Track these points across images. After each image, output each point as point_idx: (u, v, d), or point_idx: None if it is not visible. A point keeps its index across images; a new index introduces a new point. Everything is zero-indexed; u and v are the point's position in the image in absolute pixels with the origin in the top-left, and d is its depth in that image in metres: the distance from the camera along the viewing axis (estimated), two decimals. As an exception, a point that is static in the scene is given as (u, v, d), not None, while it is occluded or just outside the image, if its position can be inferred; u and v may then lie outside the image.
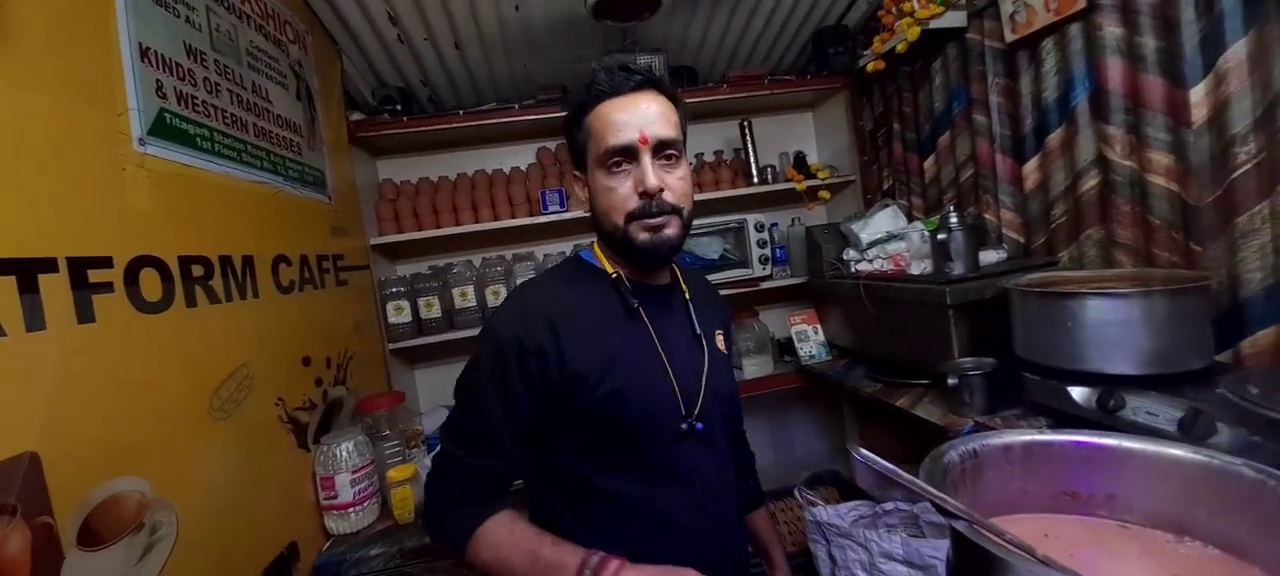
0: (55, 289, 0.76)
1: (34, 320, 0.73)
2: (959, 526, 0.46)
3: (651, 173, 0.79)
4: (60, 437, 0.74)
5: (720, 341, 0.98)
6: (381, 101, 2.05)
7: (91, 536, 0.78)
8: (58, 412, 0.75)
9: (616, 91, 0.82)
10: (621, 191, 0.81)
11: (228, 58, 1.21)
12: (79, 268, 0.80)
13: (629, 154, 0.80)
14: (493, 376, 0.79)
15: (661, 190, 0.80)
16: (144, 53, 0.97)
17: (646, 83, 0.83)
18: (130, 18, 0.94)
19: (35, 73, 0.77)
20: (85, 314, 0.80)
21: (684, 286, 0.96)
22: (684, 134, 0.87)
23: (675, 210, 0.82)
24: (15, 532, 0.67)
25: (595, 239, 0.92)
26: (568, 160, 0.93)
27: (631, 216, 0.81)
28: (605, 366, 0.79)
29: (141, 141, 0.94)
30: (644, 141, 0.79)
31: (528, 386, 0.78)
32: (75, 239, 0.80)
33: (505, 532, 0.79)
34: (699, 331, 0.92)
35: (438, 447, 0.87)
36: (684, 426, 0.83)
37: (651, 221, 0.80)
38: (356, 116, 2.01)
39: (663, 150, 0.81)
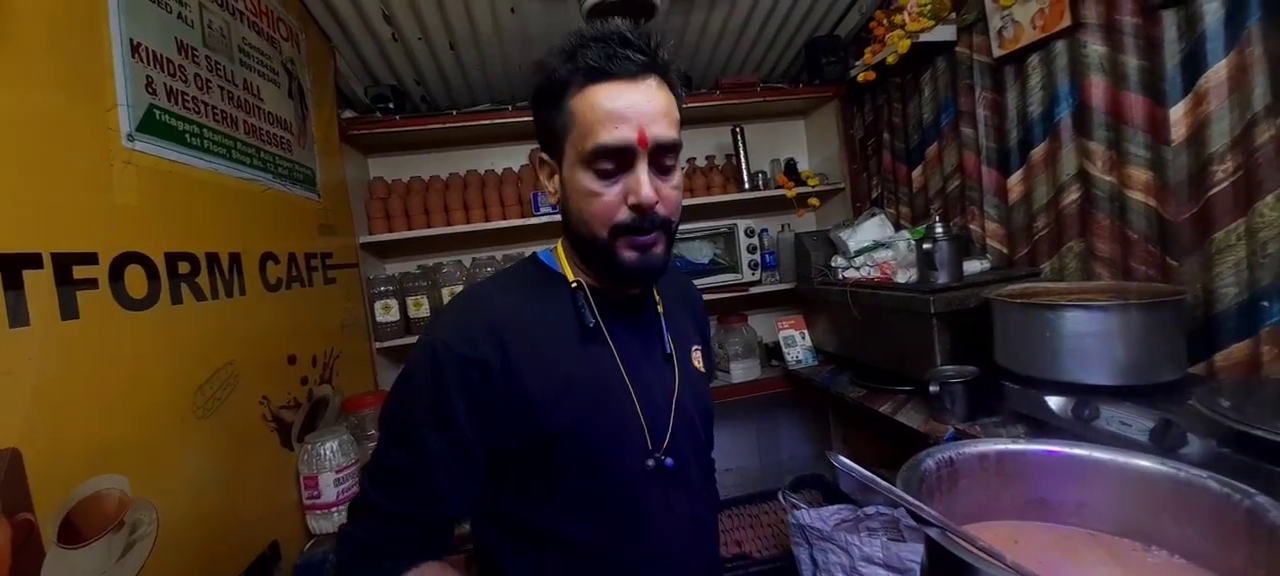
0: (40, 285, 0.76)
1: (18, 316, 0.72)
2: (932, 533, 0.48)
3: (648, 183, 0.65)
4: (42, 434, 0.74)
5: (696, 357, 0.85)
6: (374, 100, 2.05)
7: (72, 533, 0.77)
8: (40, 409, 0.74)
9: (613, 74, 0.65)
10: (608, 198, 0.67)
11: (219, 54, 1.21)
12: (64, 264, 0.80)
13: (623, 157, 0.66)
14: (429, 394, 0.66)
15: (655, 204, 0.67)
16: (135, 48, 0.96)
17: (651, 66, 0.67)
18: (122, 13, 0.94)
19: (24, 68, 0.77)
20: (69, 310, 0.80)
21: (656, 295, 0.82)
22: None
23: (665, 226, 0.69)
24: (-4, 528, 0.66)
25: (561, 239, 0.79)
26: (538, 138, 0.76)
27: (619, 231, 0.67)
28: (559, 391, 0.67)
29: (130, 137, 0.93)
30: (643, 143, 0.65)
31: (472, 406, 0.66)
32: (61, 234, 0.80)
33: None
34: (670, 349, 0.79)
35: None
36: (650, 463, 0.71)
37: (642, 239, 0.67)
38: (348, 114, 2.00)
39: (662, 156, 0.68)
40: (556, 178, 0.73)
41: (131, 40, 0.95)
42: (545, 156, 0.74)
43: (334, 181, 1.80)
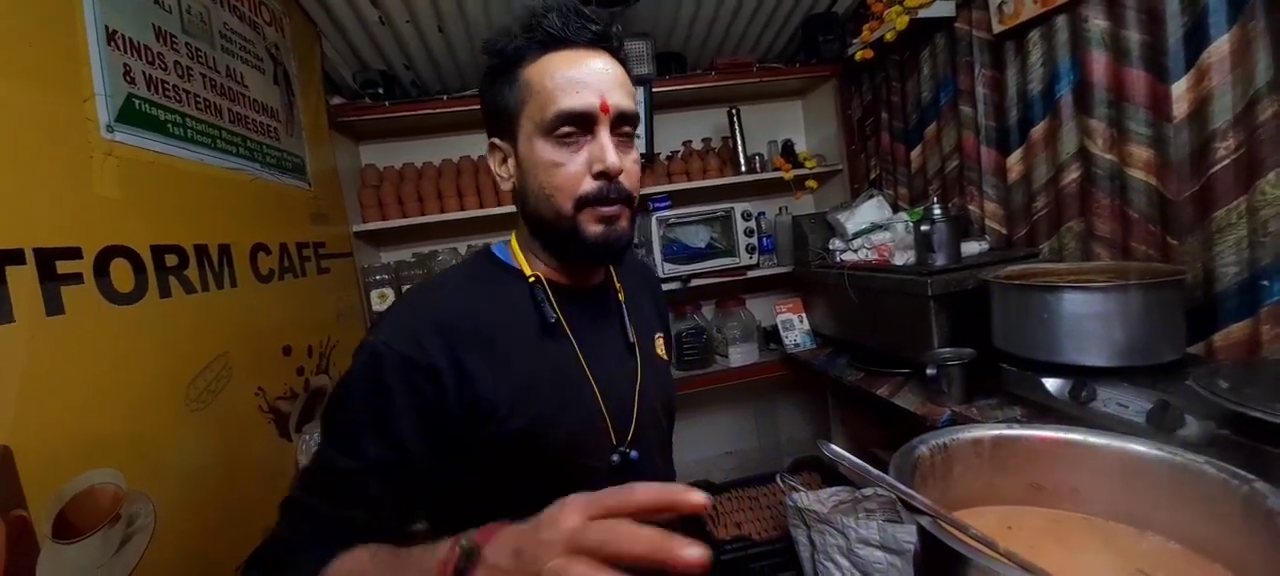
0: (22, 281, 0.75)
1: (1, 313, 0.71)
2: (923, 522, 0.47)
3: (612, 149, 0.65)
4: (32, 431, 0.73)
5: (659, 345, 0.84)
6: (363, 85, 2.02)
7: (67, 528, 0.77)
8: (28, 406, 0.74)
9: (568, 41, 0.65)
10: (571, 169, 0.65)
11: (200, 40, 1.18)
12: (47, 259, 0.78)
13: (585, 122, 0.65)
14: (368, 400, 0.62)
15: (621, 172, 0.66)
16: (111, 36, 0.94)
17: (605, 39, 0.68)
18: (97, 3, 0.91)
19: (-3, 60, 0.75)
20: (54, 306, 0.79)
21: (618, 284, 0.81)
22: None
23: (628, 199, 0.68)
24: (-14, 527, 0.66)
25: (515, 232, 0.76)
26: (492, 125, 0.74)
27: (583, 202, 0.65)
28: (518, 392, 0.65)
29: (109, 128, 0.92)
30: (605, 109, 0.64)
31: (417, 413, 0.62)
32: (42, 229, 0.79)
33: (362, 559, 0.56)
34: (633, 339, 0.77)
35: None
36: (615, 458, 0.70)
37: (607, 210, 0.66)
38: (337, 101, 1.97)
39: (622, 125, 0.67)
40: (510, 161, 0.70)
41: (107, 27, 0.93)
42: (497, 141, 0.72)
43: (325, 169, 1.77)
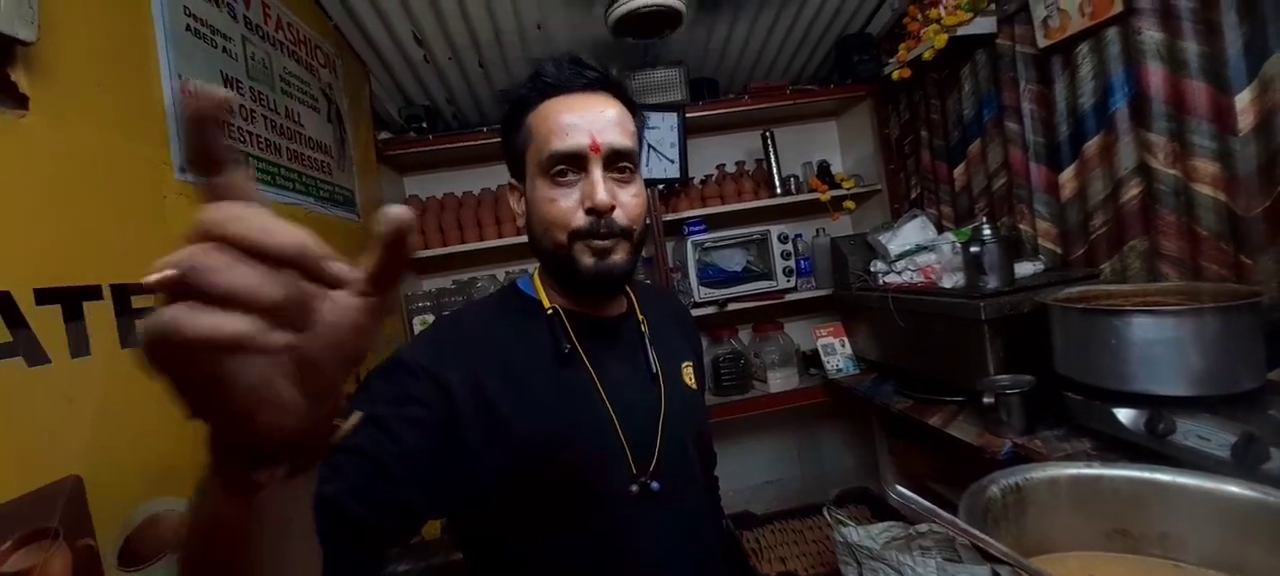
0: (99, 315, 0.78)
1: (79, 346, 0.75)
2: (1002, 572, 0.44)
3: (602, 187, 0.68)
4: (102, 460, 0.76)
5: (688, 375, 0.84)
6: (408, 120, 2.09)
7: (132, 556, 0.79)
8: (100, 436, 0.76)
9: (565, 87, 0.71)
10: (565, 204, 0.69)
11: (262, 85, 1.25)
12: (122, 294, 0.82)
13: (577, 161, 0.69)
14: (382, 394, 0.62)
15: (613, 208, 0.69)
16: (183, 84, 1.00)
17: (602, 82, 0.72)
18: (170, 51, 0.97)
19: (78, 107, 0.80)
20: (128, 338, 0.82)
21: (640, 315, 0.82)
22: (640, 148, 0.76)
23: (625, 233, 0.70)
24: (57, 556, 0.68)
25: (537, 266, 0.80)
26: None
27: (576, 235, 0.69)
28: (533, 412, 0.67)
29: (182, 170, 0.97)
30: (595, 148, 0.68)
31: (427, 417, 0.61)
32: (119, 266, 0.83)
33: None
34: (655, 368, 0.78)
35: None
36: (635, 487, 0.70)
37: (599, 243, 0.69)
38: (384, 135, 2.05)
39: (617, 161, 0.70)
40: (524, 200, 0.76)
41: (179, 76, 0.99)
42: (514, 182, 0.78)
43: (372, 201, 1.83)
